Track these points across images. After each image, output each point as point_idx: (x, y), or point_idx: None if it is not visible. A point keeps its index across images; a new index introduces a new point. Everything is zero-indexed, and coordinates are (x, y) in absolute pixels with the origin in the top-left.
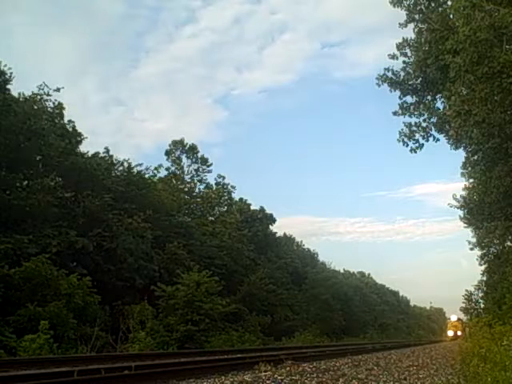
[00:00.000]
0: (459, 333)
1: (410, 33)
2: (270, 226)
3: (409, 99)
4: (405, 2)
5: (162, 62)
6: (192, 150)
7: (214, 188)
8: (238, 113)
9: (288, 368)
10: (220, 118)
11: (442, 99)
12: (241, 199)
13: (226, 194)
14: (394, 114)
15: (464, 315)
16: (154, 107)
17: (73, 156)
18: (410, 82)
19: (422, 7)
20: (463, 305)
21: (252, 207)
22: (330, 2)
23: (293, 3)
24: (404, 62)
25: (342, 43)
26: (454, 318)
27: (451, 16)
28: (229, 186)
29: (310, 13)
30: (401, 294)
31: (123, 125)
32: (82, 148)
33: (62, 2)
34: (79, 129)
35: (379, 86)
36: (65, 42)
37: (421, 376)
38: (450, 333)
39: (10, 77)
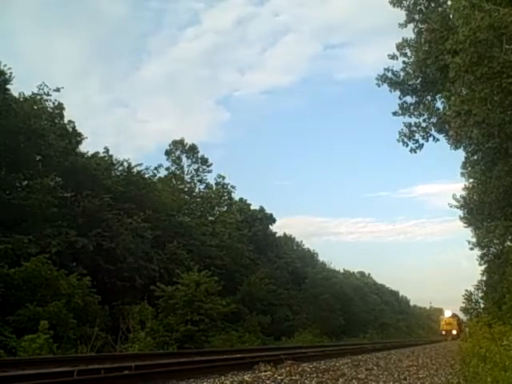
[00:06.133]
0: (454, 332)
1: (409, 33)
2: (270, 226)
3: (408, 99)
4: (404, 2)
5: (165, 64)
6: (192, 150)
7: (214, 188)
8: (239, 114)
9: (288, 368)
10: (222, 119)
11: (442, 99)
12: (241, 199)
13: (225, 194)
14: (394, 114)
15: (464, 315)
16: (156, 108)
17: (73, 156)
18: (409, 82)
19: (422, 7)
20: (463, 305)
21: (252, 207)
22: (332, 3)
23: (295, 5)
24: (404, 62)
25: (345, 44)
26: (448, 313)
27: (451, 16)
28: (229, 186)
29: (312, 14)
30: (401, 294)
31: (126, 126)
32: (83, 148)
33: (66, 3)
34: (81, 129)
35: (379, 86)
36: (68, 44)
37: (421, 376)
38: (444, 331)
39: (10, 77)
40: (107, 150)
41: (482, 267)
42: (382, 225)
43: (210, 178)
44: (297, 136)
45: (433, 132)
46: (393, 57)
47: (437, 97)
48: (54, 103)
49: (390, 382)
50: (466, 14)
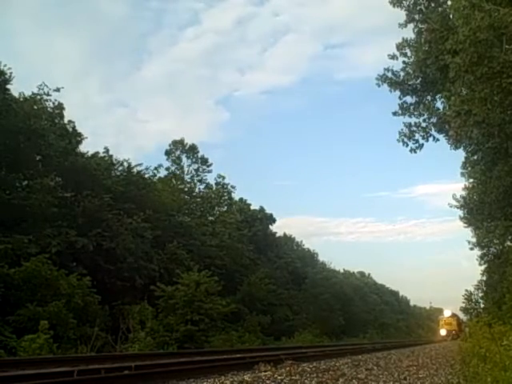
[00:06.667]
0: (454, 332)
1: (409, 33)
2: (270, 226)
3: (408, 99)
4: (404, 2)
5: (165, 64)
6: (192, 150)
7: (214, 188)
8: (239, 114)
9: (288, 368)
10: (222, 119)
11: (442, 99)
12: (241, 199)
13: (225, 194)
14: (394, 114)
15: (464, 315)
16: (156, 108)
17: (73, 156)
18: (409, 82)
19: (422, 7)
20: (463, 305)
21: (252, 207)
22: (332, 3)
23: (295, 5)
24: (404, 62)
25: (345, 44)
26: (447, 313)
27: (451, 16)
28: (229, 186)
29: (312, 14)
30: (401, 294)
31: (126, 126)
32: (82, 148)
33: (66, 3)
34: (81, 129)
35: (379, 86)
36: (68, 44)
37: (421, 376)
38: (443, 332)
39: (10, 77)
40: (107, 150)
41: (482, 267)
42: (382, 225)
43: (210, 178)
44: (297, 136)
45: (433, 132)
46: (393, 57)
47: (437, 97)
48: (54, 103)
49: (390, 382)
50: (466, 13)
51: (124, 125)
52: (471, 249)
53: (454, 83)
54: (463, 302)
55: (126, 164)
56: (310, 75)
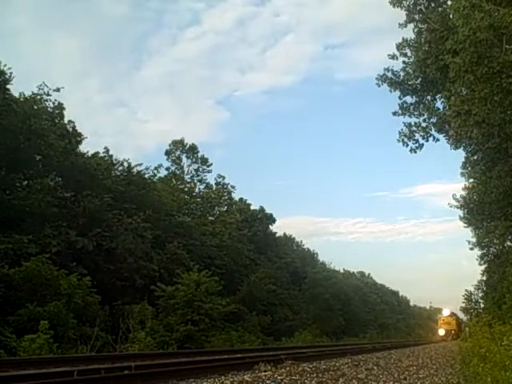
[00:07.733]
0: (453, 331)
1: (409, 33)
2: (270, 226)
3: (408, 99)
4: (404, 2)
5: (165, 64)
6: (192, 150)
7: (214, 188)
8: (239, 114)
9: (288, 368)
10: (222, 119)
11: (442, 99)
12: (241, 199)
13: (225, 193)
14: (394, 114)
15: (464, 315)
16: (156, 108)
17: (73, 156)
18: (409, 82)
19: (422, 7)
20: (463, 305)
21: (252, 207)
22: (332, 3)
23: (296, 5)
24: (404, 62)
25: (345, 45)
26: (446, 312)
27: (451, 16)
28: (229, 186)
29: (312, 15)
30: (401, 294)
31: (126, 126)
32: (83, 148)
33: (66, 3)
34: (82, 129)
35: (379, 86)
36: (68, 44)
37: (421, 376)
38: (442, 331)
39: (10, 77)
40: (107, 150)
41: (482, 267)
42: (382, 225)
43: (210, 178)
44: (297, 136)
45: (433, 132)
46: (393, 57)
47: (437, 97)
48: (53, 103)
49: (390, 382)
50: (466, 13)
51: (124, 125)
52: (471, 249)
53: (454, 83)
54: (463, 302)
55: (126, 164)
56: (311, 75)
